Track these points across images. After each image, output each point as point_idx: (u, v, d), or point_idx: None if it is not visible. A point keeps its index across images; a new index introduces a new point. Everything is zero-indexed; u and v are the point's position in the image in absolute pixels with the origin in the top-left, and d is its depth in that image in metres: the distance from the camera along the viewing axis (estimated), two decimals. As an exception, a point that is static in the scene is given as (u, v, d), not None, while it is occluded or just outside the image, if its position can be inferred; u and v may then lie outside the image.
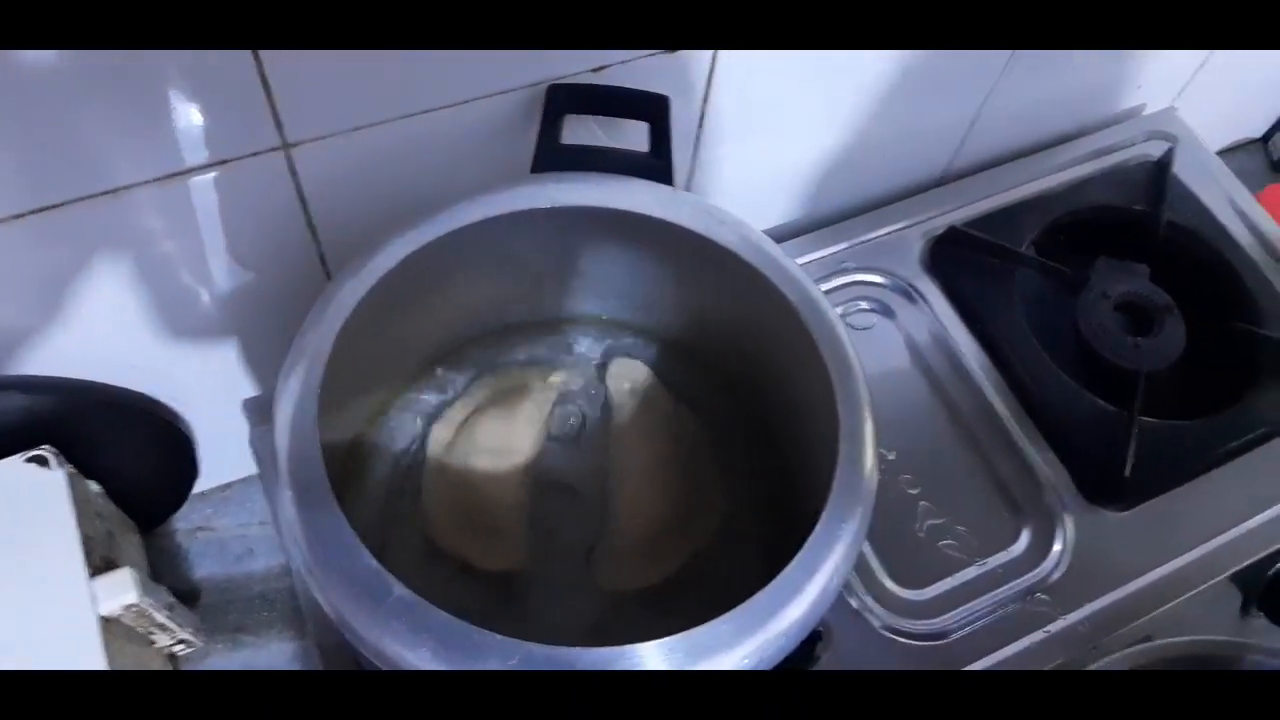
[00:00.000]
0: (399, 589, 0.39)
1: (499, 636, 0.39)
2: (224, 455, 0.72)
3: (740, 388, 0.60)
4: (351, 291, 0.46)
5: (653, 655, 0.40)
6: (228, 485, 0.76)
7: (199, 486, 0.74)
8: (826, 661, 0.60)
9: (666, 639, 0.40)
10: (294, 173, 0.53)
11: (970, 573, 0.63)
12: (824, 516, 0.44)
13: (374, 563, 0.40)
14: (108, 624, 0.57)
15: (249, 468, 0.76)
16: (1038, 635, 0.61)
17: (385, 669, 0.40)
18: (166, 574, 0.72)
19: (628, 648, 0.40)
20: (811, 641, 0.60)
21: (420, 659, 0.39)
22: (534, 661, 0.39)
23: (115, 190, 0.49)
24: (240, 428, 0.68)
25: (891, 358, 0.71)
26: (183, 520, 0.75)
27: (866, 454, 0.46)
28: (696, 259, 0.52)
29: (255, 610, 0.73)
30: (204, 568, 0.74)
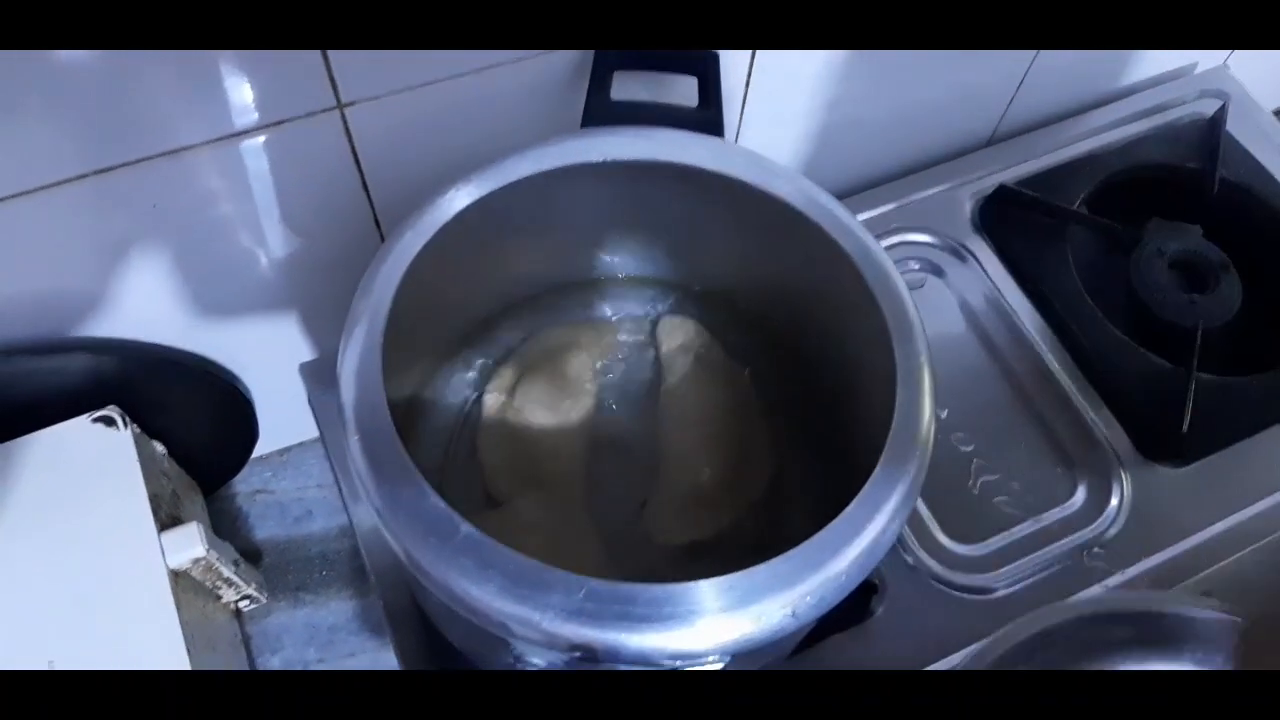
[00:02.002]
0: (466, 527, 0.40)
1: (563, 572, 0.40)
2: (282, 420, 0.74)
3: (792, 343, 0.60)
4: (411, 243, 0.47)
5: (711, 593, 0.40)
6: (286, 450, 0.78)
7: (257, 451, 0.76)
8: (882, 614, 0.60)
9: (724, 577, 0.40)
10: (349, 133, 0.54)
11: (1025, 528, 0.63)
12: (882, 461, 0.44)
13: (441, 502, 0.41)
14: (177, 578, 0.59)
15: (306, 433, 0.77)
16: (1094, 590, 0.61)
17: (452, 606, 0.40)
18: (228, 535, 0.73)
19: (688, 584, 0.40)
20: (867, 594, 0.60)
21: (487, 594, 0.39)
22: (597, 597, 0.39)
23: (175, 151, 0.51)
24: (297, 393, 0.69)
25: (942, 316, 0.71)
26: (243, 483, 0.77)
27: (925, 401, 0.46)
28: (749, 212, 0.52)
29: (315, 570, 0.74)
30: (264, 529, 0.76)
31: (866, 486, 0.43)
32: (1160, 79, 0.84)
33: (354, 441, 0.42)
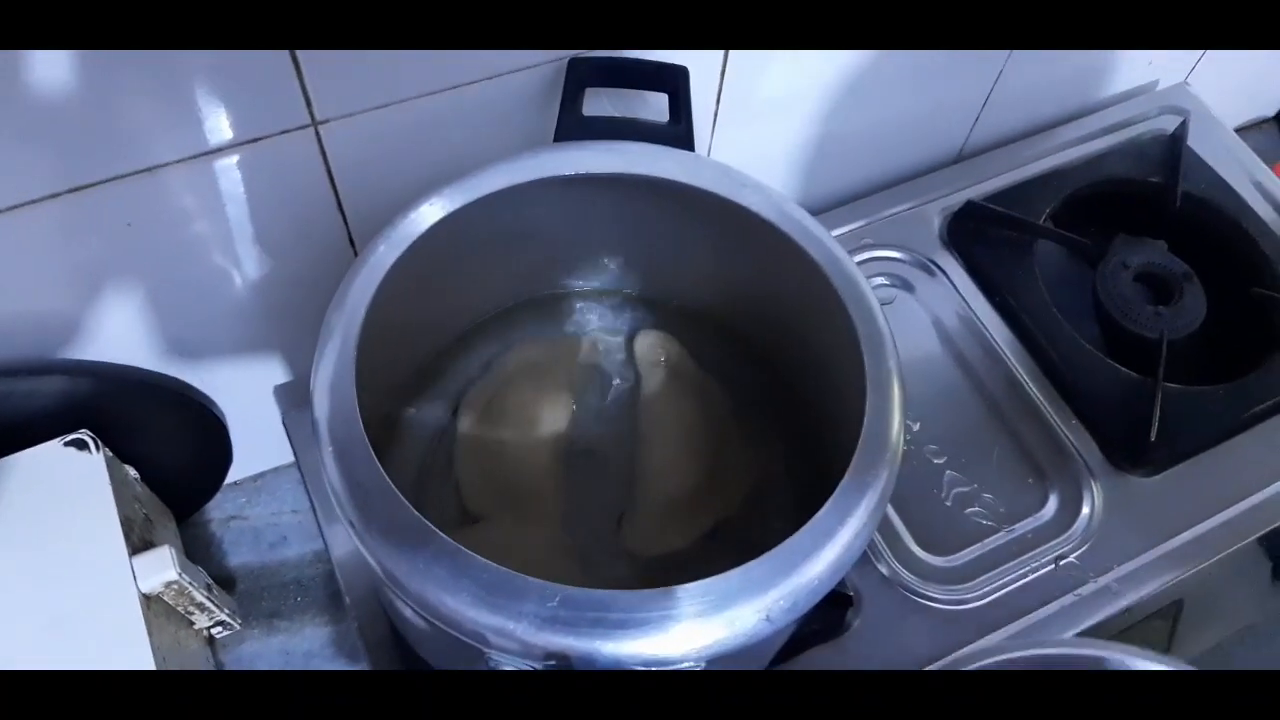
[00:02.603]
0: (440, 538, 0.40)
1: (537, 580, 0.40)
2: (256, 445, 0.74)
3: (766, 355, 0.61)
4: (384, 257, 0.47)
5: (685, 598, 0.40)
6: (259, 475, 0.77)
7: (231, 476, 0.75)
8: (858, 628, 0.60)
9: (697, 583, 0.41)
10: (323, 151, 0.54)
11: (998, 539, 0.64)
12: (852, 467, 0.45)
13: (415, 514, 0.41)
14: (149, 602, 0.58)
15: (280, 458, 0.77)
16: (1068, 599, 0.62)
17: (427, 618, 0.40)
18: (202, 562, 0.72)
19: (661, 590, 0.40)
20: (843, 607, 0.60)
21: (461, 603, 0.39)
22: (572, 604, 0.39)
23: (149, 169, 0.51)
24: (271, 417, 0.69)
25: (913, 331, 0.72)
26: (216, 509, 0.76)
27: (894, 408, 0.47)
28: (721, 224, 0.53)
29: (289, 596, 0.74)
30: (238, 556, 0.75)
31: (837, 492, 0.44)
32: (1122, 96, 0.86)
33: (328, 454, 0.43)
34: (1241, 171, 0.81)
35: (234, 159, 0.52)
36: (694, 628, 0.40)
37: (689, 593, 0.40)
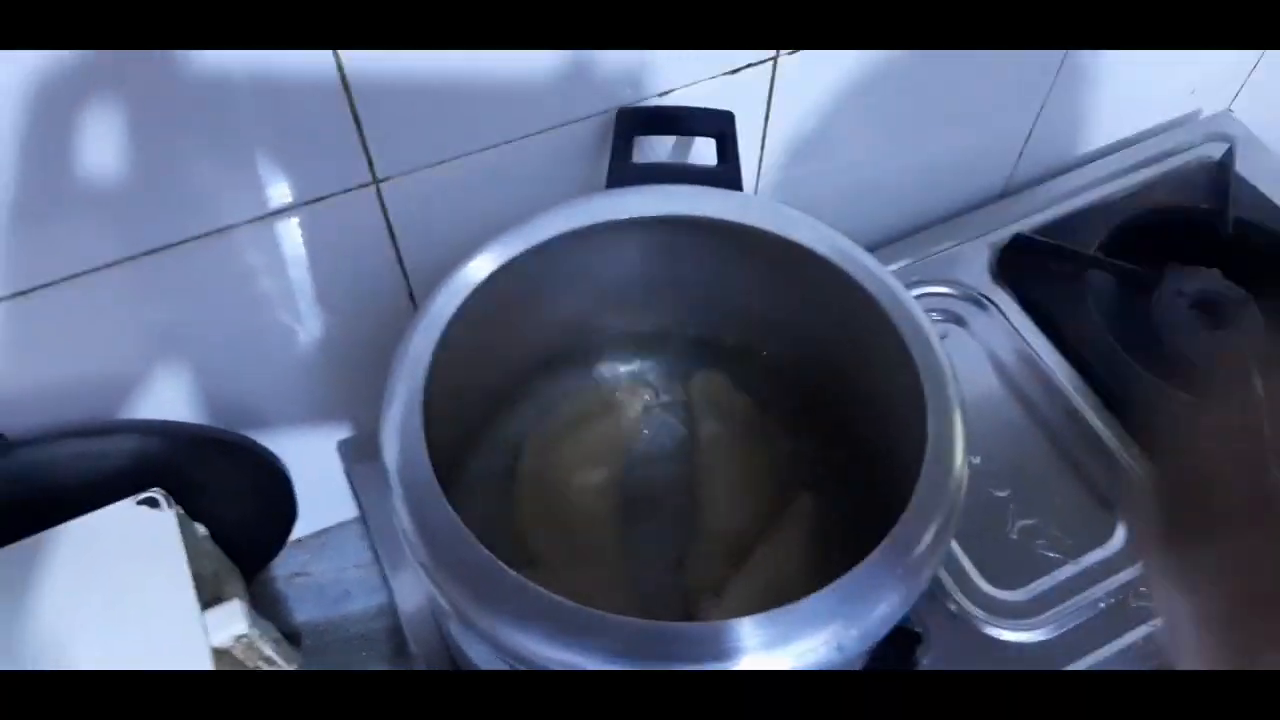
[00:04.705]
0: (512, 575, 0.41)
1: (607, 614, 0.40)
2: (319, 502, 0.75)
3: (824, 392, 0.61)
4: (445, 306, 0.48)
5: (754, 629, 0.40)
6: (323, 531, 0.78)
7: (295, 534, 0.76)
8: (928, 665, 0.59)
9: (760, 614, 0.40)
10: (384, 207, 0.56)
11: (1066, 571, 0.63)
12: (916, 490, 0.44)
13: (485, 552, 0.41)
14: (219, 656, 0.59)
15: (343, 514, 0.78)
16: (1142, 629, 0.60)
17: (499, 656, 0.41)
18: (268, 619, 0.74)
19: (725, 623, 0.40)
20: (911, 644, 0.60)
21: (533, 640, 0.39)
22: (643, 636, 0.39)
23: (216, 231, 0.53)
24: (334, 473, 0.70)
25: (968, 365, 0.72)
26: (281, 567, 0.77)
27: (956, 434, 0.46)
28: (772, 261, 0.53)
29: (355, 650, 0.74)
30: (303, 612, 0.76)
31: (904, 516, 0.44)
32: (1166, 126, 0.86)
33: (399, 498, 0.43)
34: (1294, 194, 0.80)
35: (298, 219, 0.54)
36: (764, 659, 0.40)
37: (758, 623, 0.40)
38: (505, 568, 0.41)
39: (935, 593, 0.61)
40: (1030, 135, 0.79)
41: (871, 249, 0.76)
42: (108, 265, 0.51)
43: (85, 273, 0.51)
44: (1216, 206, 0.77)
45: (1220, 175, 0.80)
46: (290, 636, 0.74)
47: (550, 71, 0.54)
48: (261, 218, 0.53)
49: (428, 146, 0.54)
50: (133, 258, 0.51)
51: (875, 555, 0.43)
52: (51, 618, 0.58)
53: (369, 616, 0.76)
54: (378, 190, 0.55)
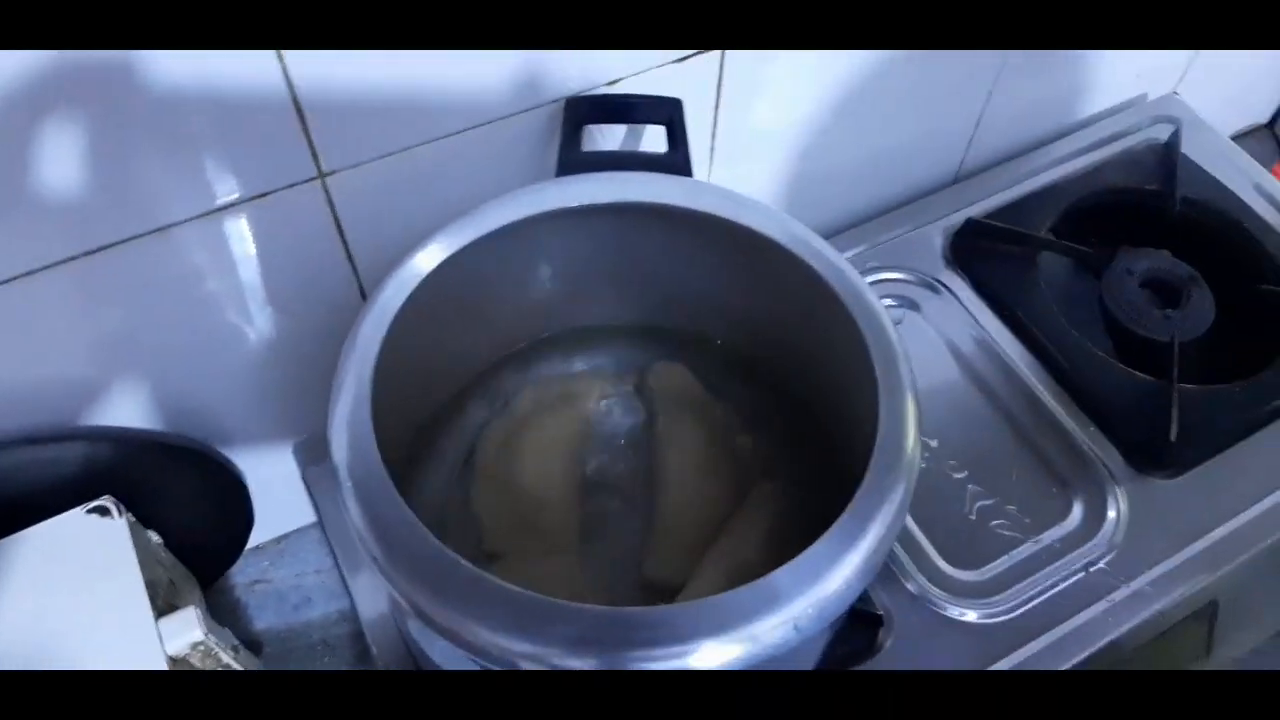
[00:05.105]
0: (465, 566, 0.40)
1: (563, 603, 0.40)
2: (276, 508, 0.74)
3: (780, 377, 0.61)
4: (393, 298, 0.48)
5: (712, 612, 0.40)
6: (282, 537, 0.78)
7: (253, 540, 0.75)
8: (891, 647, 0.59)
9: (723, 594, 0.40)
10: (330, 202, 0.55)
11: (1025, 550, 0.63)
12: (870, 468, 0.45)
13: (438, 544, 0.41)
14: (176, 664, 0.58)
15: (302, 519, 0.77)
16: (1101, 605, 0.61)
17: (457, 649, 0.40)
18: (227, 627, 0.73)
19: (682, 605, 0.40)
20: (874, 627, 0.60)
21: (490, 630, 0.39)
22: (600, 623, 0.39)
23: (160, 229, 0.52)
24: (291, 478, 0.69)
25: (923, 349, 0.72)
26: (240, 574, 0.76)
27: (908, 408, 0.46)
28: (725, 247, 0.53)
29: (317, 657, 0.73)
30: (264, 619, 0.75)
31: (857, 496, 0.44)
32: (1112, 110, 0.87)
33: (348, 492, 0.43)
34: (1239, 174, 0.81)
35: (244, 215, 0.53)
36: (723, 641, 0.40)
37: (715, 605, 0.40)
38: (459, 559, 0.41)
39: (895, 574, 0.61)
40: (980, 121, 0.80)
41: (826, 237, 0.77)
42: (50, 265, 0.50)
43: (27, 274, 0.50)
44: (1164, 188, 0.78)
45: (1167, 156, 0.81)
46: (251, 644, 0.73)
47: (497, 62, 0.53)
48: (206, 215, 0.52)
49: (374, 139, 0.54)
50: (75, 257, 0.50)
51: (830, 534, 0.43)
52: (1, 629, 0.57)
53: (330, 622, 0.75)
54: (324, 185, 0.54)
